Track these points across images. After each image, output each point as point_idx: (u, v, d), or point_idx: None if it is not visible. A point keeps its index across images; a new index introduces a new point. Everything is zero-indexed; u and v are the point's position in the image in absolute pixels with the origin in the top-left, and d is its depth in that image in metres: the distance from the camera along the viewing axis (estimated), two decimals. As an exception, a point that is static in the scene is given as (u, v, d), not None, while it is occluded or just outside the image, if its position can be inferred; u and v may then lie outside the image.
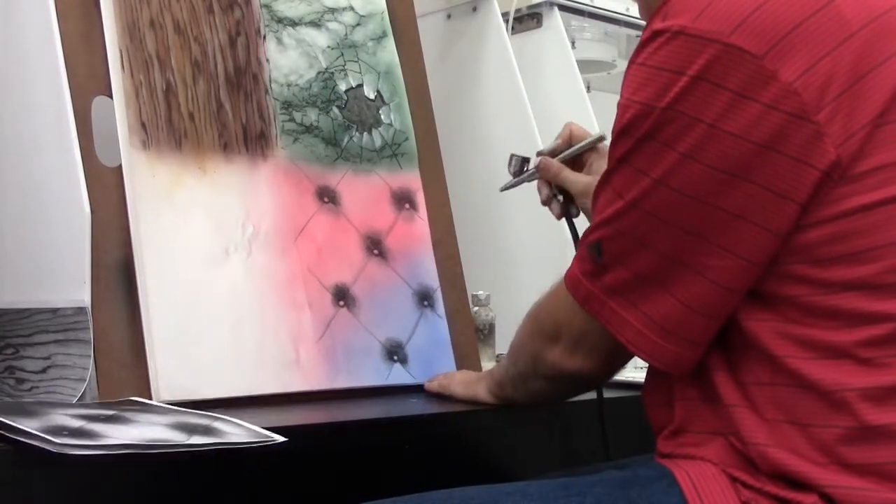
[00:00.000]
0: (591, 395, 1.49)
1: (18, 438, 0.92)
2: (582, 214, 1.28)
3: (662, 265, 0.89)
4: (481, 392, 1.25)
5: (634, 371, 1.68)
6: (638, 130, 0.86)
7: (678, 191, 0.85)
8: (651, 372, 1.02)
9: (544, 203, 1.31)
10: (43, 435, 0.89)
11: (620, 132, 0.88)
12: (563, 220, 1.29)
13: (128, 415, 1.03)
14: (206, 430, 0.99)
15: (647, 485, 0.92)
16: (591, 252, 0.94)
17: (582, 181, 1.26)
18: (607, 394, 1.50)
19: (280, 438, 1.00)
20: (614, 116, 0.91)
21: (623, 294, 0.92)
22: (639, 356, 0.94)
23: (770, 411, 0.86)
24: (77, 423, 0.95)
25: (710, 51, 0.81)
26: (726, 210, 0.84)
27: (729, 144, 0.82)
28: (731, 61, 0.81)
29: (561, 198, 1.30)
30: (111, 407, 1.06)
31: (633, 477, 0.94)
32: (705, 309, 0.88)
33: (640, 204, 0.88)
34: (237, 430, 1.00)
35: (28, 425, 0.92)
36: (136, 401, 1.17)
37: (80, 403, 1.14)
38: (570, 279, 0.99)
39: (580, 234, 1.14)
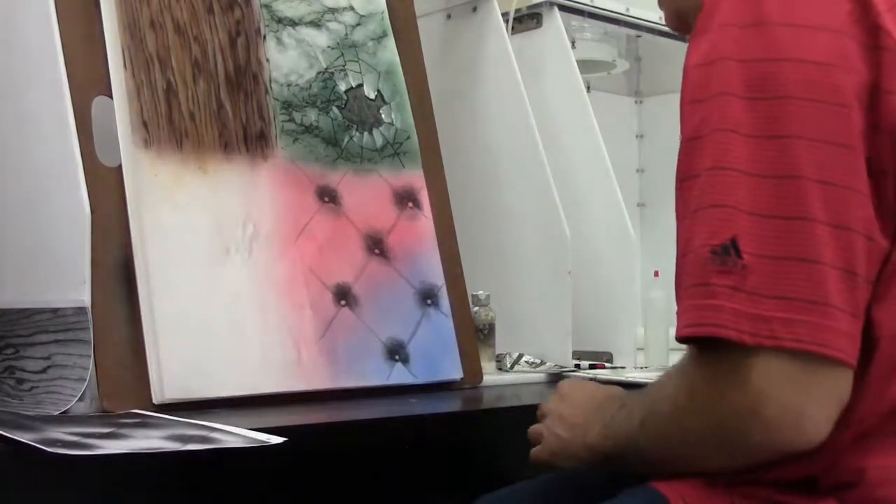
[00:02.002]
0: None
1: (18, 439, 0.92)
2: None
3: (808, 233, 0.77)
4: (571, 464, 1.01)
5: (635, 371, 1.69)
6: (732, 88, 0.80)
7: (797, 136, 0.78)
8: None
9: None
10: (38, 446, 0.89)
11: (696, 101, 0.82)
12: None
13: (124, 431, 1.03)
14: (203, 440, 0.99)
15: None
16: (725, 258, 0.78)
17: None
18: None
19: (276, 440, 1.00)
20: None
21: (780, 293, 0.77)
22: (825, 355, 0.76)
23: None
24: (72, 439, 0.95)
25: None
26: (840, 143, 0.78)
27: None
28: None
29: None
30: (109, 424, 1.06)
31: None
32: (865, 270, 0.78)
33: (756, 168, 0.78)
34: (234, 440, 1.00)
35: (23, 437, 0.92)
36: (136, 413, 1.17)
37: (78, 419, 1.13)
38: (697, 321, 0.78)
39: None
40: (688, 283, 0.79)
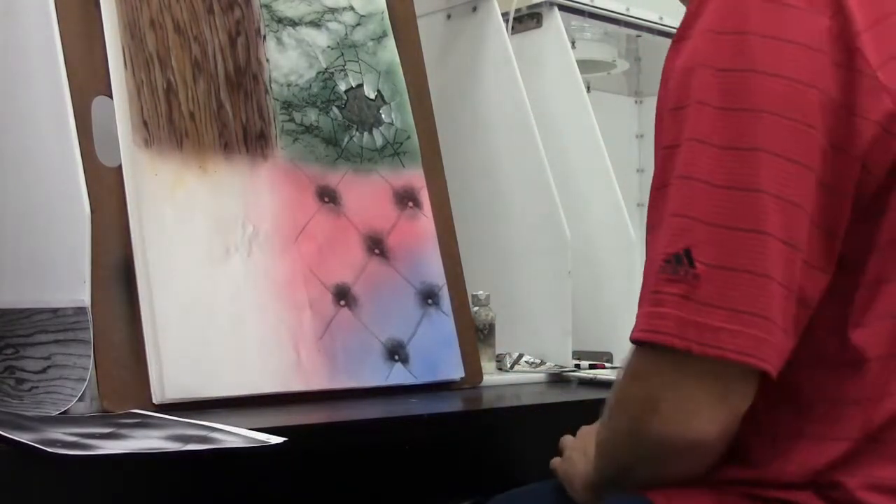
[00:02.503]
0: (590, 395, 1.50)
1: (18, 439, 0.92)
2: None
3: (762, 247, 0.78)
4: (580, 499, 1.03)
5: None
6: (700, 97, 0.81)
7: (760, 149, 0.79)
8: None
9: None
10: (38, 446, 0.89)
11: (675, 109, 0.83)
12: None
13: (124, 431, 1.03)
14: (203, 440, 0.99)
15: None
16: (675, 271, 0.80)
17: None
18: (605, 394, 1.50)
19: (276, 440, 1.00)
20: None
21: (722, 301, 0.79)
22: (750, 364, 0.79)
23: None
24: (72, 439, 0.95)
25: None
26: (801, 162, 0.79)
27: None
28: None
29: None
30: (109, 424, 1.06)
31: None
32: (801, 291, 0.80)
33: (734, 180, 0.80)
34: (234, 439, 1.00)
35: (23, 438, 0.92)
36: (136, 413, 1.17)
37: (78, 420, 1.13)
38: (650, 329, 0.81)
39: None
40: (645, 290, 0.82)
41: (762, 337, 0.78)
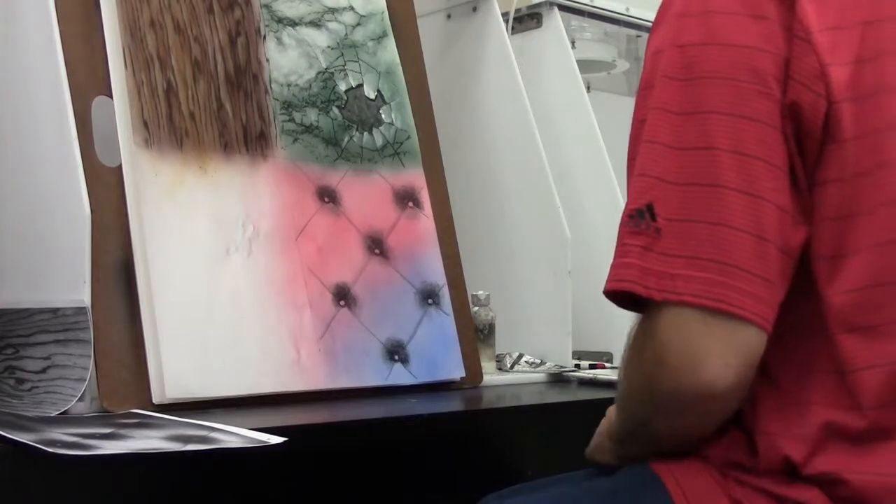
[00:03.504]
0: (590, 395, 1.50)
1: (18, 440, 0.92)
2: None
3: (719, 199, 0.82)
4: (607, 458, 1.05)
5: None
6: (668, 72, 0.87)
7: (715, 112, 0.84)
8: None
9: None
10: (38, 446, 0.89)
11: (645, 87, 0.89)
12: None
13: (124, 431, 1.03)
14: (203, 440, 0.99)
15: (636, 494, 0.91)
16: (637, 224, 0.84)
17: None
18: (605, 394, 1.51)
19: (276, 440, 1.00)
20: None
21: (689, 252, 0.82)
22: (734, 313, 0.80)
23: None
24: (72, 439, 0.95)
25: None
26: (756, 119, 0.83)
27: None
28: None
29: None
30: (109, 424, 1.06)
31: (621, 486, 0.94)
32: (778, 238, 0.82)
33: (680, 141, 0.85)
34: (234, 440, 1.00)
35: (23, 438, 0.92)
36: (136, 413, 1.17)
37: (78, 420, 1.13)
38: (618, 278, 0.86)
39: None
40: (616, 245, 0.87)
41: (720, 280, 0.80)
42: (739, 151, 0.83)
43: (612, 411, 1.05)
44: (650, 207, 0.84)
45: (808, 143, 0.84)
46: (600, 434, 1.07)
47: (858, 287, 0.84)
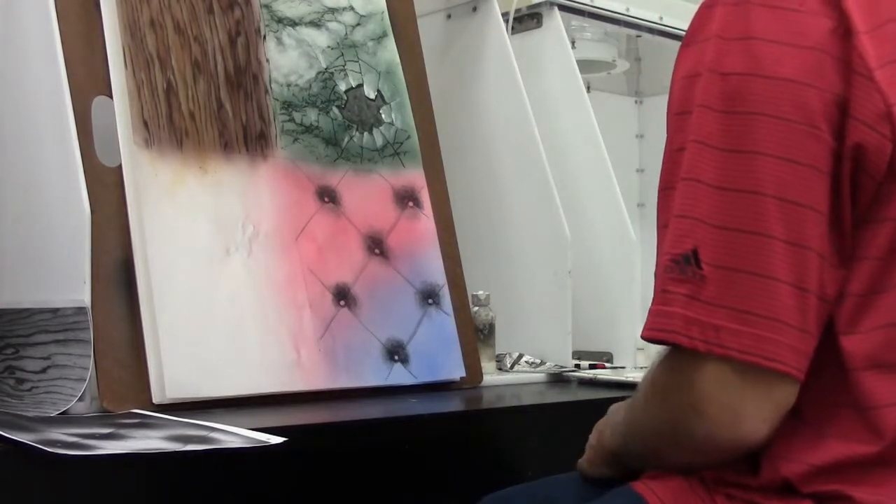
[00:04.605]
0: (590, 395, 1.50)
1: (18, 440, 0.92)
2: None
3: (764, 248, 0.80)
4: (601, 471, 1.04)
5: (635, 371, 1.69)
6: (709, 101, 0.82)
7: (762, 153, 0.80)
8: None
9: None
10: (38, 446, 0.89)
11: (680, 113, 0.85)
12: None
13: (124, 431, 1.03)
14: (202, 441, 0.99)
15: None
16: (682, 271, 0.81)
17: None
18: (605, 394, 1.51)
19: (275, 440, 1.00)
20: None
21: (729, 303, 0.80)
22: (764, 366, 0.79)
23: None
24: (72, 439, 0.95)
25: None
26: (804, 163, 0.80)
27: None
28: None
29: None
30: (109, 424, 1.06)
31: None
32: (817, 287, 0.80)
33: (723, 182, 0.81)
34: (234, 440, 1.00)
35: (23, 438, 0.92)
36: (136, 413, 1.17)
37: (78, 420, 1.13)
38: (657, 326, 0.82)
39: None
40: (656, 289, 0.83)
41: (766, 336, 0.79)
42: (786, 199, 0.79)
43: (604, 428, 1.04)
44: (695, 253, 0.81)
45: (867, 182, 0.81)
46: (592, 447, 1.06)
47: (890, 323, 0.82)
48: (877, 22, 0.83)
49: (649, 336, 0.83)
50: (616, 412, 1.04)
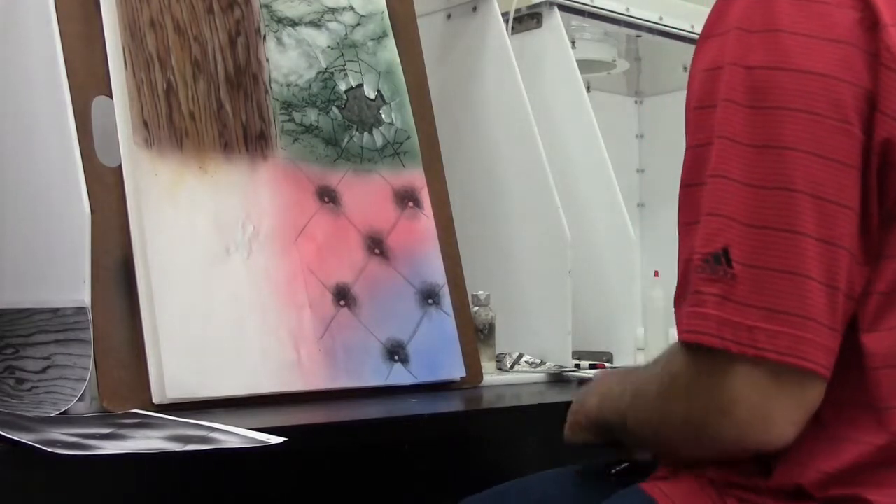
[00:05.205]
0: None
1: (18, 440, 0.92)
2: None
3: (796, 246, 0.79)
4: (584, 437, 1.04)
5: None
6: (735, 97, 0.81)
7: (793, 148, 0.79)
8: None
9: None
10: (38, 446, 0.89)
11: (701, 107, 0.83)
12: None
13: (123, 431, 1.03)
14: (203, 441, 0.99)
15: None
16: (713, 271, 0.80)
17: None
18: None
19: (275, 440, 1.00)
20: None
21: (762, 302, 0.79)
22: (795, 365, 0.78)
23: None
24: (72, 439, 0.95)
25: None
26: (835, 159, 0.79)
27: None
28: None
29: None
30: (109, 424, 1.06)
31: None
32: (846, 285, 0.80)
33: (753, 179, 0.80)
34: (234, 440, 1.00)
35: (23, 438, 0.92)
36: (136, 413, 1.17)
37: (78, 420, 1.13)
38: (692, 329, 0.80)
39: None
40: (685, 291, 0.82)
41: (800, 336, 0.78)
42: (818, 195, 0.78)
43: (591, 398, 1.02)
44: (726, 252, 0.79)
45: (894, 177, 0.80)
46: (575, 413, 1.04)
47: None
48: None
49: (687, 339, 0.81)
50: (607, 385, 1.01)
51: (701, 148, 0.83)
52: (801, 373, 0.78)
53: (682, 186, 0.85)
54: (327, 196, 1.44)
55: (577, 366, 1.71)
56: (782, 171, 0.79)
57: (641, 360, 1.86)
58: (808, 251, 0.78)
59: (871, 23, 0.80)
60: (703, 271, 0.80)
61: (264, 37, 1.45)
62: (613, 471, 1.06)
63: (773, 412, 0.80)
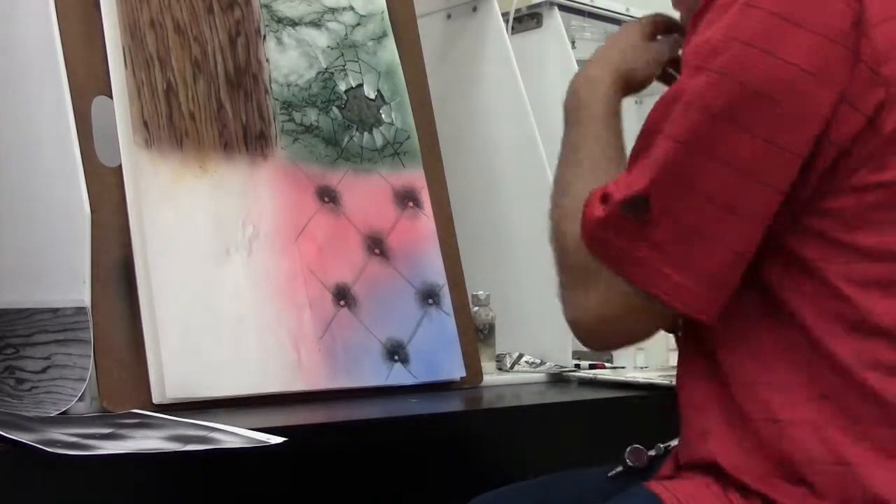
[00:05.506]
0: (590, 395, 1.50)
1: (18, 440, 0.92)
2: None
3: (708, 210, 0.85)
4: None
5: (635, 371, 1.69)
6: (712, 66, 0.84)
7: (739, 127, 0.84)
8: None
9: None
10: (38, 446, 0.89)
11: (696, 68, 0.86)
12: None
13: (123, 431, 1.03)
14: (202, 441, 0.99)
15: None
16: (632, 208, 0.87)
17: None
18: (605, 394, 1.50)
19: (275, 440, 1.00)
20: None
21: (667, 249, 0.87)
22: (679, 310, 0.88)
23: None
24: (72, 439, 0.95)
25: None
26: (777, 144, 0.83)
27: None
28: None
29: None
30: (109, 424, 1.06)
31: None
32: (744, 250, 0.86)
33: (697, 146, 0.85)
34: (234, 440, 1.00)
35: (23, 438, 0.92)
36: (136, 413, 1.17)
37: (78, 420, 1.13)
38: (596, 238, 0.90)
39: None
40: (602, 211, 0.89)
41: (676, 280, 0.86)
42: (747, 172, 0.84)
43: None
44: (646, 197, 0.86)
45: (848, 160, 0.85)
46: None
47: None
48: (893, 13, 0.84)
49: (587, 244, 0.90)
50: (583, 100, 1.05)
51: (671, 102, 0.88)
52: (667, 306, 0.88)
53: (645, 125, 0.90)
54: (327, 196, 1.44)
55: (577, 366, 1.71)
56: (718, 142, 0.84)
57: (641, 360, 1.86)
58: (720, 218, 0.85)
59: (856, 18, 0.82)
60: (623, 207, 0.87)
61: (264, 37, 1.45)
62: (610, 474, 1.07)
63: (634, 331, 0.97)
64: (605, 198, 0.89)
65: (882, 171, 0.83)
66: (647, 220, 0.86)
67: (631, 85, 1.06)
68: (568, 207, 0.97)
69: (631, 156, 0.92)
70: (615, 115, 1.03)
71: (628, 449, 1.11)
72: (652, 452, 1.11)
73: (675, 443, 1.04)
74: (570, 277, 0.96)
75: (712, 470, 0.89)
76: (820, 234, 0.85)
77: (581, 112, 1.04)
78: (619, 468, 1.10)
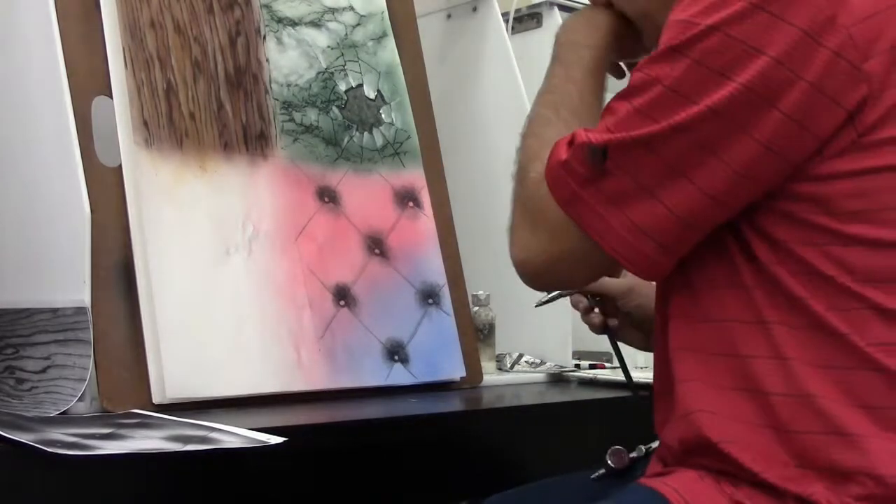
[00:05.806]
0: (590, 395, 1.50)
1: (18, 440, 0.92)
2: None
3: (664, 174, 0.89)
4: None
5: (635, 371, 1.68)
6: (691, 52, 0.86)
7: (715, 113, 0.86)
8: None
9: (584, 315, 1.30)
10: (38, 446, 0.89)
11: (669, 50, 0.88)
12: (604, 334, 1.26)
13: (123, 431, 1.03)
14: (202, 441, 0.99)
15: None
16: (591, 155, 0.91)
17: (622, 283, 1.24)
18: (605, 394, 1.51)
19: (275, 440, 1.00)
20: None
21: (616, 202, 0.91)
22: (618, 260, 0.93)
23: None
24: (72, 439, 0.95)
25: None
26: (753, 137, 0.85)
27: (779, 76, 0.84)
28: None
29: (597, 310, 1.26)
30: (109, 424, 1.06)
31: None
32: (689, 216, 0.89)
33: (674, 124, 0.87)
34: (234, 440, 1.00)
35: (23, 438, 0.92)
36: (136, 413, 1.17)
37: (78, 420, 1.13)
38: (555, 179, 0.94)
39: (622, 350, 1.19)
40: (566, 154, 0.93)
41: (618, 232, 0.90)
42: (708, 148, 0.87)
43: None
44: (608, 149, 0.90)
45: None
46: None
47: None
48: (876, 8, 0.85)
49: (549, 185, 0.94)
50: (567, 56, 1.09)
51: (655, 83, 0.89)
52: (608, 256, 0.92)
53: (632, 83, 0.92)
54: (327, 196, 1.44)
55: (577, 366, 1.71)
56: (688, 119, 0.86)
57: (641, 360, 1.85)
58: (678, 184, 0.88)
59: (836, 13, 0.83)
60: (586, 153, 0.91)
61: (264, 37, 1.45)
62: (593, 476, 1.08)
63: (574, 276, 1.02)
64: (571, 142, 0.93)
65: (859, 161, 0.85)
66: (604, 169, 0.90)
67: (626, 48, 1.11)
68: (535, 147, 1.00)
69: (613, 100, 0.95)
70: (604, 63, 1.08)
71: (609, 451, 1.12)
72: (633, 454, 1.12)
73: (656, 444, 1.04)
74: (522, 215, 0.99)
75: (703, 453, 0.90)
76: (790, 216, 0.88)
77: (572, 53, 1.08)
78: (602, 470, 1.10)
